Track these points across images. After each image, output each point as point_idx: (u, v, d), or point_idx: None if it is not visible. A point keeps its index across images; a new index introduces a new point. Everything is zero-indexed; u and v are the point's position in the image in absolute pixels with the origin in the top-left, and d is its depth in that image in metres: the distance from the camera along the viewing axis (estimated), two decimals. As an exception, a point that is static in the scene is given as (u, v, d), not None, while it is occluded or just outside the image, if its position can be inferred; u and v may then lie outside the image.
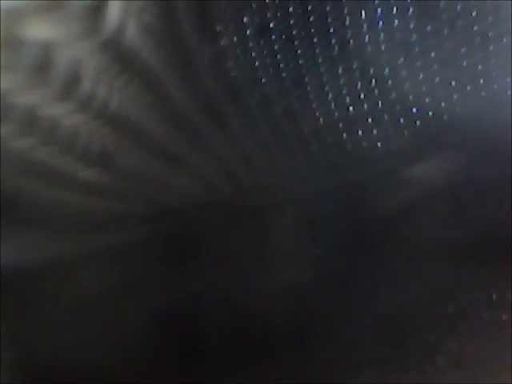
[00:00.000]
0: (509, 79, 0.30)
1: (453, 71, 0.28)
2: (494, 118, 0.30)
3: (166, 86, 0.23)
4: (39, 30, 0.18)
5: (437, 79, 0.27)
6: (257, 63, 0.23)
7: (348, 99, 0.26)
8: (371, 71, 0.25)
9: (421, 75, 0.28)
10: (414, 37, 0.25)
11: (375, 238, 0.33)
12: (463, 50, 0.27)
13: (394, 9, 0.24)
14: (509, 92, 0.30)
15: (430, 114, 0.28)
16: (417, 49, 0.25)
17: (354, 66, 0.25)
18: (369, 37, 0.24)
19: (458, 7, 0.24)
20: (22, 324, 0.35)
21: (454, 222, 0.33)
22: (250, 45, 0.22)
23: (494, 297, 0.33)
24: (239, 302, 0.33)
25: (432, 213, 0.33)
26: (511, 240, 0.32)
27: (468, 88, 0.28)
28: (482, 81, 0.29)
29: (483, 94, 0.30)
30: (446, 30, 0.26)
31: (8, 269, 0.31)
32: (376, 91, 0.27)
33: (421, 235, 0.33)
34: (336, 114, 0.26)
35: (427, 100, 0.28)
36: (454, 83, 0.28)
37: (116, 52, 0.20)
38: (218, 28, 0.21)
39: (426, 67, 0.27)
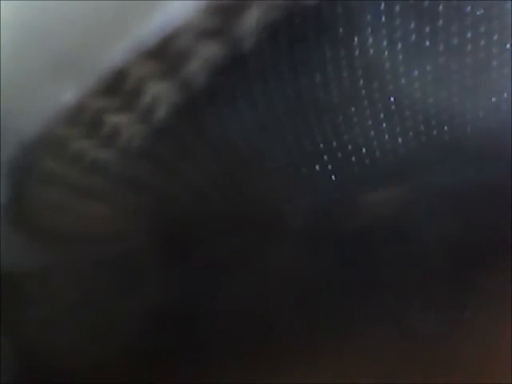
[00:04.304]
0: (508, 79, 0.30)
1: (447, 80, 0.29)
2: (494, 118, 0.31)
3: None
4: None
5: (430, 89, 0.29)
6: (237, 114, 0.27)
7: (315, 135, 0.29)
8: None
9: (415, 79, 0.29)
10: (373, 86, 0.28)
11: (374, 237, 0.34)
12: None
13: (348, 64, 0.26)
14: (508, 91, 0.30)
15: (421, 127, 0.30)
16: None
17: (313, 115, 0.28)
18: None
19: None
20: (21, 324, 0.35)
21: (453, 222, 0.33)
22: (226, 104, 0.26)
23: (494, 296, 0.33)
24: (239, 304, 0.33)
25: (431, 213, 0.33)
26: (511, 240, 0.32)
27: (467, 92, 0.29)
28: (481, 81, 0.29)
29: (483, 94, 0.30)
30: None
31: (8, 269, 0.31)
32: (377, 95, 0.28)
33: (419, 235, 0.33)
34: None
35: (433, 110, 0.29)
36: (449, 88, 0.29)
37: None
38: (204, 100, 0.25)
39: (422, 75, 0.28)
